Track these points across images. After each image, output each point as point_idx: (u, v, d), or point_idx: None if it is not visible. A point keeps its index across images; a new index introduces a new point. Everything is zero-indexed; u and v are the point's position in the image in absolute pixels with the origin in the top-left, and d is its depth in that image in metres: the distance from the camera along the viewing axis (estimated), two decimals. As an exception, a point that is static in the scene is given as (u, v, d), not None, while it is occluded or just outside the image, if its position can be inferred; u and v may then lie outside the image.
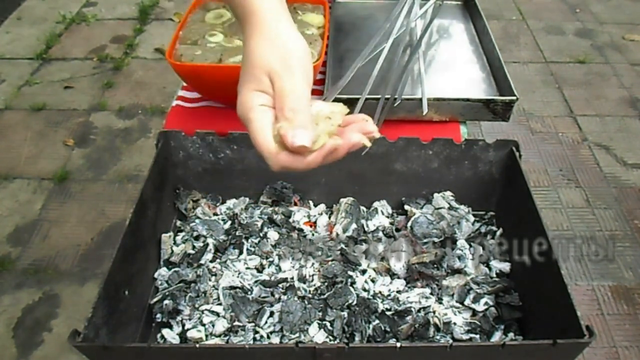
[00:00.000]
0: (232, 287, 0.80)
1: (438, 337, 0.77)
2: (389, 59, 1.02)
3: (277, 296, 0.80)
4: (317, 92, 1.07)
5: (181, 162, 0.93)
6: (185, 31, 1.01)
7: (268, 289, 0.80)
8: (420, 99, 0.96)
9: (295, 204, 0.95)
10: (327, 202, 0.96)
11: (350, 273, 0.83)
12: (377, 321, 0.77)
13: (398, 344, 0.62)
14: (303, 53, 0.56)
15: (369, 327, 0.76)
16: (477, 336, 0.77)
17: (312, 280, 0.82)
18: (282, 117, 0.53)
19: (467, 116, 1.01)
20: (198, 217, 0.91)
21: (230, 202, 0.95)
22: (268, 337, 0.76)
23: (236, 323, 0.77)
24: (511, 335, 0.78)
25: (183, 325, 0.79)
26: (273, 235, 0.89)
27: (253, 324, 0.77)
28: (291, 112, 0.52)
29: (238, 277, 0.82)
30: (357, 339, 0.75)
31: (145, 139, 2.37)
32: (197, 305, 0.79)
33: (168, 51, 0.96)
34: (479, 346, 0.69)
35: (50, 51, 2.90)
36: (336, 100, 0.98)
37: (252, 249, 0.87)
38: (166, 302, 0.79)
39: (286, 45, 0.55)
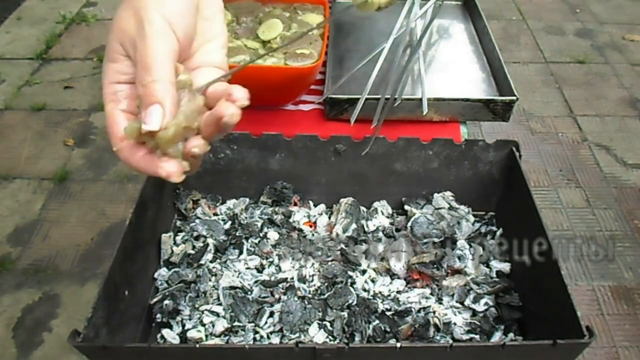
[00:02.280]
0: (232, 287, 0.80)
1: (438, 338, 0.77)
2: (389, 59, 1.02)
3: (277, 296, 0.80)
4: (317, 92, 1.07)
5: (181, 162, 0.93)
6: (185, 31, 1.01)
7: (268, 289, 0.80)
8: (420, 99, 0.96)
9: (295, 204, 0.95)
10: (327, 202, 0.96)
11: (350, 273, 0.83)
12: (377, 321, 0.77)
13: (398, 344, 0.62)
14: (176, 9, 0.45)
15: (369, 327, 0.76)
16: (477, 336, 0.77)
17: (312, 281, 0.82)
18: (138, 90, 0.43)
19: (467, 116, 1.01)
20: (198, 217, 0.91)
21: (230, 202, 0.95)
22: (268, 337, 0.76)
23: (236, 323, 0.77)
24: (511, 335, 0.78)
25: (183, 326, 0.79)
26: (273, 235, 0.89)
27: (253, 324, 0.77)
28: (142, 88, 0.42)
29: (238, 277, 0.82)
30: (357, 339, 0.75)
31: (146, 139, 2.37)
32: (197, 306, 0.79)
33: (168, 51, 0.96)
34: (479, 346, 0.69)
35: (50, 51, 2.90)
36: (335, 100, 0.98)
37: (252, 249, 0.87)
38: (166, 302, 0.79)
39: (150, 5, 0.44)
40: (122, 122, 0.44)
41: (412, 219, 0.87)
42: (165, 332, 0.78)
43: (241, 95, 0.45)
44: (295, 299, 0.79)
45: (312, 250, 0.85)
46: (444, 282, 0.82)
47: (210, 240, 0.87)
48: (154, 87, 0.42)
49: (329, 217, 0.93)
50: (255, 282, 0.82)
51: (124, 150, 0.44)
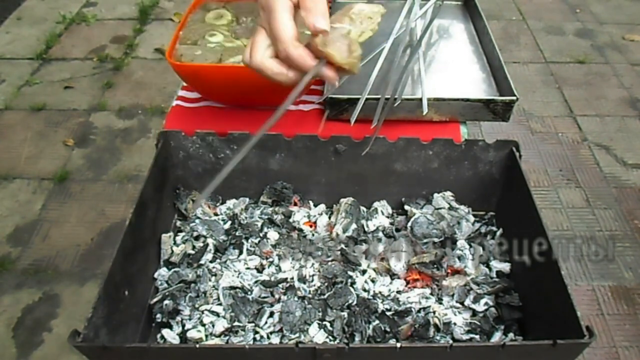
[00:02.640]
0: (232, 287, 0.80)
1: (438, 338, 0.77)
2: (389, 59, 1.02)
3: (277, 296, 0.80)
4: (317, 92, 1.07)
5: (181, 162, 0.93)
6: (185, 31, 1.01)
7: (268, 289, 0.80)
8: (420, 99, 0.96)
9: (295, 204, 0.95)
10: (327, 202, 0.96)
11: (350, 273, 0.83)
12: (377, 321, 0.77)
13: (398, 344, 0.62)
14: None
15: (369, 328, 0.76)
16: (477, 336, 0.77)
17: (312, 281, 0.82)
18: (302, 9, 0.59)
19: (467, 116, 1.01)
20: (198, 217, 0.91)
21: (230, 202, 0.95)
22: (268, 337, 0.76)
23: (236, 323, 0.77)
24: (511, 335, 0.78)
25: (183, 326, 0.79)
26: (273, 235, 0.89)
27: (253, 324, 0.77)
28: (312, 3, 0.58)
29: (238, 277, 0.82)
30: (357, 339, 0.75)
31: (145, 139, 2.37)
32: (197, 306, 0.79)
33: (168, 51, 0.96)
34: (479, 346, 0.69)
35: (50, 51, 2.90)
36: (336, 100, 0.98)
37: (252, 249, 0.87)
38: (166, 302, 0.79)
39: None
40: (294, 29, 0.59)
41: (412, 219, 0.87)
42: (165, 332, 0.78)
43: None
44: (295, 299, 0.79)
45: (312, 250, 0.85)
46: (444, 282, 0.82)
47: (210, 240, 0.87)
48: (320, 5, 0.59)
49: (329, 217, 0.93)
50: (255, 282, 0.82)
51: (301, 53, 0.59)
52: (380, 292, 0.82)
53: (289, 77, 0.62)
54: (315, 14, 0.58)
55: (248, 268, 0.84)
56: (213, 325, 0.77)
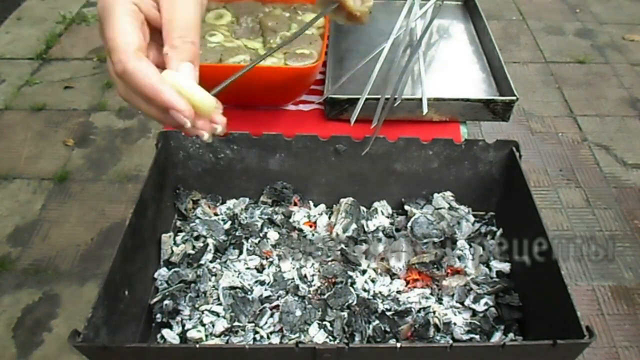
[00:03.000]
0: (232, 287, 0.80)
1: (438, 338, 0.77)
2: (389, 59, 1.02)
3: (277, 296, 0.80)
4: (317, 92, 1.07)
5: (181, 162, 0.93)
6: (185, 31, 1.01)
7: (268, 289, 0.80)
8: (420, 99, 0.96)
9: (295, 204, 0.95)
10: (327, 202, 0.96)
11: (350, 273, 0.83)
12: (377, 321, 0.77)
13: (398, 345, 0.62)
14: None
15: (369, 328, 0.76)
16: (477, 336, 0.77)
17: (312, 280, 0.82)
18: (167, 43, 0.49)
19: (467, 116, 1.01)
20: (198, 217, 0.91)
21: (230, 202, 0.95)
22: (268, 337, 0.76)
23: (236, 323, 0.77)
24: (511, 335, 0.78)
25: (183, 326, 0.79)
26: (273, 235, 0.89)
27: (253, 324, 0.77)
28: (180, 40, 0.49)
29: (238, 277, 0.82)
30: (357, 339, 0.75)
31: (145, 139, 2.37)
32: (197, 306, 0.79)
33: (168, 51, 0.96)
34: (479, 347, 0.69)
35: (50, 51, 2.90)
36: (335, 100, 0.98)
37: (252, 249, 0.87)
38: (166, 302, 0.79)
39: None
40: (137, 37, 0.47)
41: (412, 219, 0.87)
42: (165, 332, 0.78)
43: (220, 121, 0.54)
44: (296, 299, 0.79)
45: (312, 250, 0.85)
46: (444, 282, 0.82)
47: (210, 240, 0.87)
48: (192, 47, 0.50)
49: (329, 217, 0.93)
50: (255, 282, 0.82)
51: (144, 68, 0.46)
52: (380, 292, 0.82)
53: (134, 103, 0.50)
54: (181, 59, 0.49)
55: (248, 268, 0.84)
56: (213, 325, 0.77)
